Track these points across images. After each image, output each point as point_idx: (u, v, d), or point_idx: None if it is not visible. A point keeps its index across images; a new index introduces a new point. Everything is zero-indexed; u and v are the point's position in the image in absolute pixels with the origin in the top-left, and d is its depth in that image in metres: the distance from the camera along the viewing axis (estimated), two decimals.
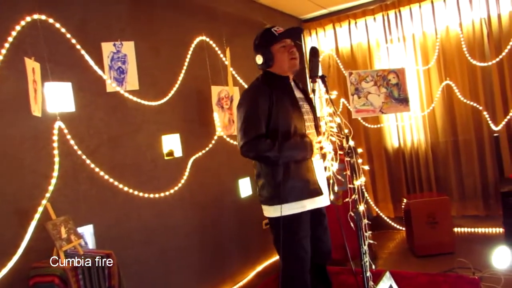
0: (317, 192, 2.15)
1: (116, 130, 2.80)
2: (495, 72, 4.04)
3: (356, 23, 4.70)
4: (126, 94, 2.77)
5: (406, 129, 4.56)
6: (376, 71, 3.85)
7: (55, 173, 2.20)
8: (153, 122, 3.07)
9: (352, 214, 1.97)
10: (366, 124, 4.65)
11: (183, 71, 3.25)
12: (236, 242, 3.76)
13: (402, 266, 3.62)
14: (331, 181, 2.15)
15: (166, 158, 3.15)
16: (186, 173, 3.23)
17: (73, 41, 2.46)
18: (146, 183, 2.95)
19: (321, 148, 2.14)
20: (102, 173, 2.62)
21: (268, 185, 2.11)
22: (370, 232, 2.03)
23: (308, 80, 2.14)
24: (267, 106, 2.06)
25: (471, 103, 4.17)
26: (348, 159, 1.93)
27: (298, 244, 2.13)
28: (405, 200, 3.97)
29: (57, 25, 2.38)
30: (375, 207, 4.68)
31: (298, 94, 2.22)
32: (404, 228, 4.32)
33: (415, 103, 4.47)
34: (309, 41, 5.07)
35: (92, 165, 2.54)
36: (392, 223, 4.61)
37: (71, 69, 2.51)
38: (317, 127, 2.21)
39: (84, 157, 2.48)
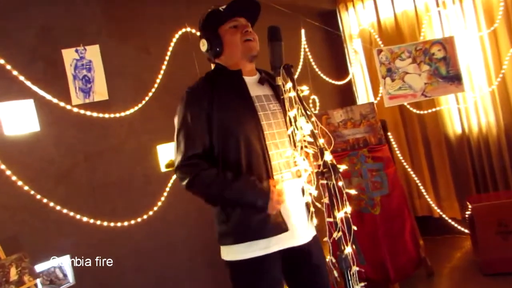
0: (280, 228, 1.53)
1: (94, 147, 2.50)
2: None
3: None
4: (88, 113, 2.42)
5: (470, 110, 3.68)
6: (415, 45, 3.06)
7: None
8: (143, 132, 2.73)
9: (333, 261, 1.40)
10: (415, 110, 3.85)
11: (163, 70, 2.83)
12: None
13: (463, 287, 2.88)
14: (312, 209, 1.58)
15: (165, 170, 2.80)
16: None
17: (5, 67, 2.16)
18: (137, 201, 2.62)
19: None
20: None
21: (217, 217, 1.60)
22: (364, 283, 1.42)
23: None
24: (205, 114, 1.55)
25: None
26: (325, 181, 1.36)
27: None
28: (470, 206, 3.15)
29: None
30: (436, 208, 3.88)
31: (261, 91, 1.66)
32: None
33: (480, 77, 3.57)
34: (346, 18, 4.35)
35: (44, 197, 2.21)
36: (458, 227, 3.78)
37: (32, 84, 2.24)
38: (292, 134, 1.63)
39: (25, 191, 2.15)
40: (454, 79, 3.00)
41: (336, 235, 1.35)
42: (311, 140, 1.45)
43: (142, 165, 2.70)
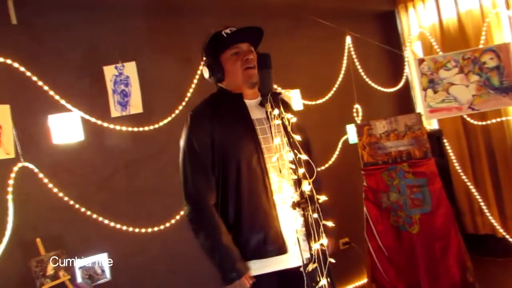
0: (279, 250, 1.57)
1: (134, 154, 2.70)
2: None
3: None
4: (118, 127, 2.60)
5: None
6: (462, 53, 2.78)
7: (10, 218, 2.13)
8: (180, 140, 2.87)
9: None
10: (474, 122, 3.49)
11: (196, 81, 2.91)
12: None
13: None
14: (299, 236, 1.55)
15: None
16: None
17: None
18: (172, 207, 2.77)
19: None
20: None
21: None
22: None
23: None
24: (209, 138, 1.61)
25: None
26: (301, 212, 1.34)
27: None
28: None
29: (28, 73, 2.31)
30: (498, 227, 3.51)
31: (261, 114, 1.67)
32: None
33: None
34: (405, 20, 4.10)
35: (87, 200, 2.45)
36: None
37: (78, 98, 2.49)
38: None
39: (71, 194, 2.40)
40: (508, 90, 2.68)
41: (311, 266, 1.33)
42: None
43: (179, 171, 2.85)
